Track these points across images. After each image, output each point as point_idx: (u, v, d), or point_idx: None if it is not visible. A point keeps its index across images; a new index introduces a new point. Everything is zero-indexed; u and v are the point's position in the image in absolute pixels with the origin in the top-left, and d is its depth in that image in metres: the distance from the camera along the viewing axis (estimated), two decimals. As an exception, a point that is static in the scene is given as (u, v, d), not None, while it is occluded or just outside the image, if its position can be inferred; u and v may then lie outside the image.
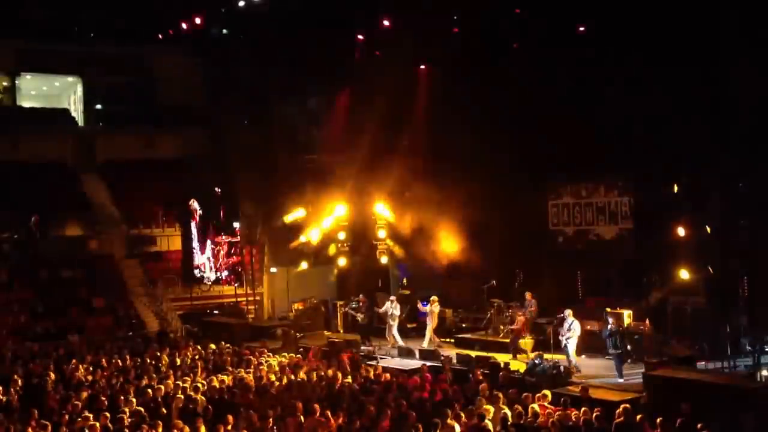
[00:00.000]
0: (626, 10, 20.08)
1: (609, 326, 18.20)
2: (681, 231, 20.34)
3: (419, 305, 23.45)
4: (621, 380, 17.30)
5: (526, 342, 21.17)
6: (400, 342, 22.75)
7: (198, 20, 26.24)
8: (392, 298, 24.08)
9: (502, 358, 19.43)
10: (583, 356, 19.37)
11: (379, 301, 25.58)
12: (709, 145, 18.85)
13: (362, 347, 22.53)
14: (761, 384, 14.98)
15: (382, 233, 27.29)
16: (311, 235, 28.05)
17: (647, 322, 19.93)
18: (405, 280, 27.85)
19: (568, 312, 18.98)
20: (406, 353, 21.36)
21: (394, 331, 23.22)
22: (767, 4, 18.09)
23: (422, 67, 26.41)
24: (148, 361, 20.39)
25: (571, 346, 18.74)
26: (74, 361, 20.51)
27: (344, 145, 26.84)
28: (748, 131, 18.09)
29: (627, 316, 20.01)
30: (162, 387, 16.27)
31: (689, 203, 20.34)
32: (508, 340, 21.53)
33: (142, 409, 14.29)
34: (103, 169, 36.22)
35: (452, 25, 24.19)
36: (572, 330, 18.71)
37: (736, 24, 18.25)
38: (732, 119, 18.85)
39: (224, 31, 27.80)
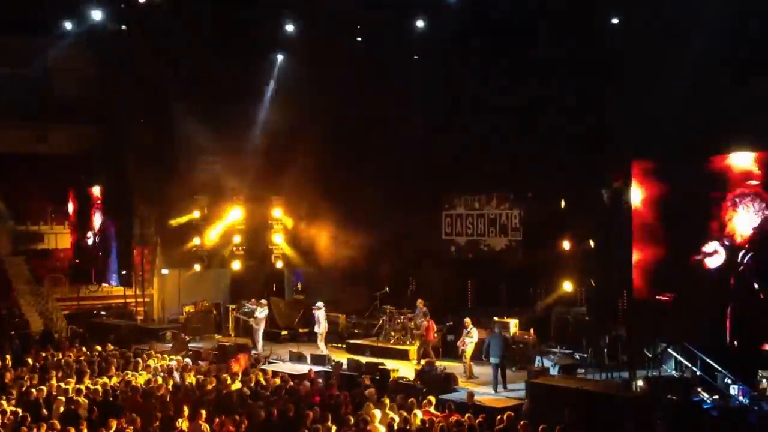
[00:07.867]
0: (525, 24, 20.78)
1: (496, 333, 18.51)
2: (566, 244, 21.22)
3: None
4: (497, 392, 17.63)
5: (415, 349, 21.52)
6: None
7: (96, 14, 25.62)
8: (263, 301, 24.20)
9: (392, 364, 19.75)
10: (473, 362, 19.79)
11: (273, 305, 25.61)
12: (594, 164, 19.72)
13: (253, 352, 22.46)
14: (637, 393, 15.67)
15: (278, 238, 27.30)
16: (206, 238, 27.78)
17: (532, 331, 20.62)
18: (299, 285, 27.88)
19: (467, 320, 19.54)
20: (297, 358, 21.40)
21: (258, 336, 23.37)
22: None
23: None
24: (30, 361, 19.80)
25: (468, 351, 19.22)
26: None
27: (243, 150, 26.69)
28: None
29: (513, 325, 20.69)
30: (44, 388, 15.85)
31: (574, 219, 21.21)
32: (399, 347, 21.88)
33: (19, 411, 13.91)
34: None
35: (356, 35, 24.47)
36: (471, 336, 19.22)
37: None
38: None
39: (123, 27, 27.24)
